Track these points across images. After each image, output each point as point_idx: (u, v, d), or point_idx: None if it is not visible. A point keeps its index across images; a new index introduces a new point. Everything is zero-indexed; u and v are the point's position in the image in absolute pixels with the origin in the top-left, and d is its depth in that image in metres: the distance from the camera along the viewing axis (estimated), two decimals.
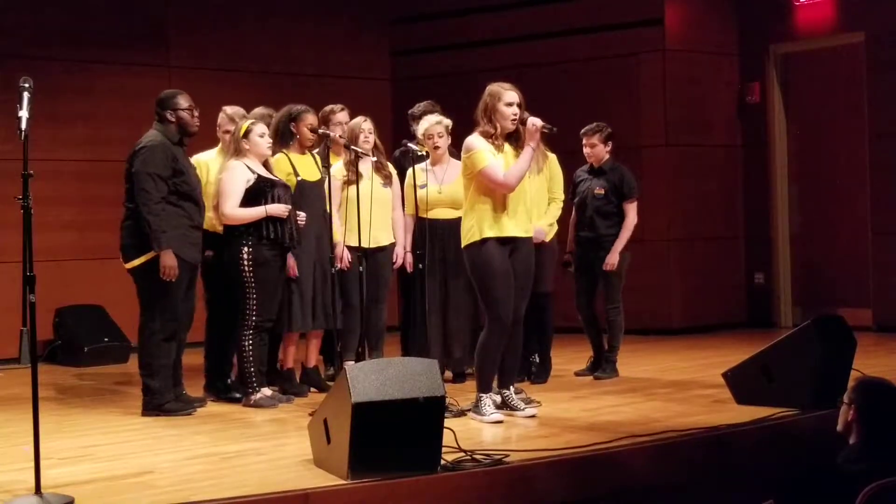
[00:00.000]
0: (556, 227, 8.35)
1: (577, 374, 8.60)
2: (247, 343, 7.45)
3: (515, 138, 6.79)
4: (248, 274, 7.41)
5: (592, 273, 8.55)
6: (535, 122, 6.70)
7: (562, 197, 8.31)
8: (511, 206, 6.74)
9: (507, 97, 6.74)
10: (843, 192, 11.70)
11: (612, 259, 8.42)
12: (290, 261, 7.64)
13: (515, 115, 6.72)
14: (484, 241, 6.69)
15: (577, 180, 8.68)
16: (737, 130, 12.10)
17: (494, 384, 6.95)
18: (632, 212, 8.52)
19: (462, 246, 6.83)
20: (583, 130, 8.66)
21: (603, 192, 8.52)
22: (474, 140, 6.75)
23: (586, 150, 8.60)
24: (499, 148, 6.74)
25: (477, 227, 6.71)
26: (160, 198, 7.13)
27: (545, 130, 6.75)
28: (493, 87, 6.79)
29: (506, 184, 6.67)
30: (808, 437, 6.44)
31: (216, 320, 7.89)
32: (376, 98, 12.30)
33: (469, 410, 6.80)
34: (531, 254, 6.95)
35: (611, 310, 8.55)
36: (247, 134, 7.52)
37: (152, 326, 7.25)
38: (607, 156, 8.62)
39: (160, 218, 7.11)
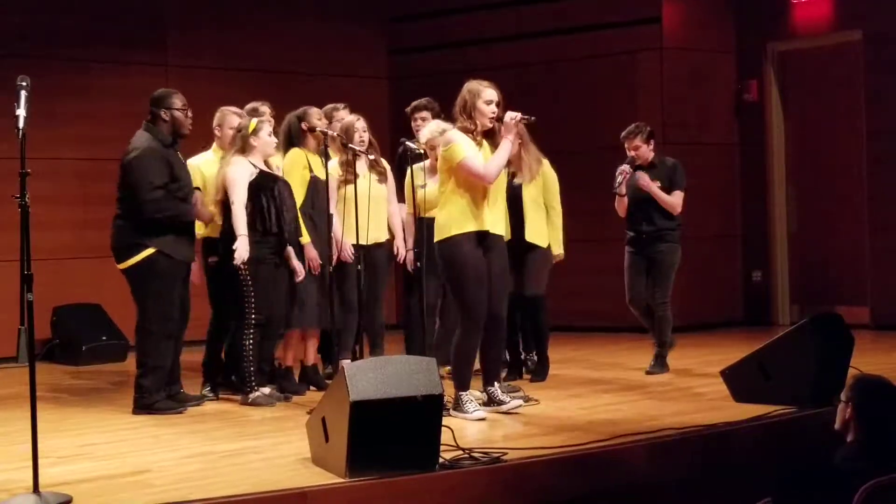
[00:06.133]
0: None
1: (649, 373, 8.60)
2: (247, 342, 7.45)
3: (493, 136, 6.78)
4: (244, 272, 7.41)
5: (649, 267, 8.65)
6: (513, 115, 6.71)
7: (559, 206, 8.33)
8: (489, 202, 6.72)
9: (486, 95, 6.74)
10: (840, 190, 11.71)
11: (648, 182, 8.56)
12: (296, 264, 7.64)
13: (494, 113, 6.73)
14: (458, 237, 6.66)
15: (624, 181, 8.59)
16: (734, 129, 12.11)
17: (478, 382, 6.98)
18: (678, 200, 8.66)
19: (435, 240, 6.81)
20: (622, 134, 8.74)
21: (659, 183, 8.65)
22: (453, 133, 6.76)
23: (631, 154, 8.67)
24: (478, 144, 6.74)
25: (452, 221, 6.69)
26: (163, 198, 7.17)
27: (524, 121, 6.77)
28: (472, 85, 6.79)
29: (485, 175, 6.65)
30: (805, 436, 6.44)
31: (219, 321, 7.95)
32: (374, 96, 12.30)
33: (450, 409, 6.75)
34: (505, 252, 6.95)
35: (661, 304, 8.62)
36: (256, 131, 7.53)
37: (150, 326, 7.26)
38: (652, 154, 8.73)
39: (171, 208, 7.18)
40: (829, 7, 11.56)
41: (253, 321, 7.45)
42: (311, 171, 7.93)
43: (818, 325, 7.07)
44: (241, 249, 7.35)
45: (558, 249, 8.32)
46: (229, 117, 8.00)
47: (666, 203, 8.65)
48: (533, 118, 6.78)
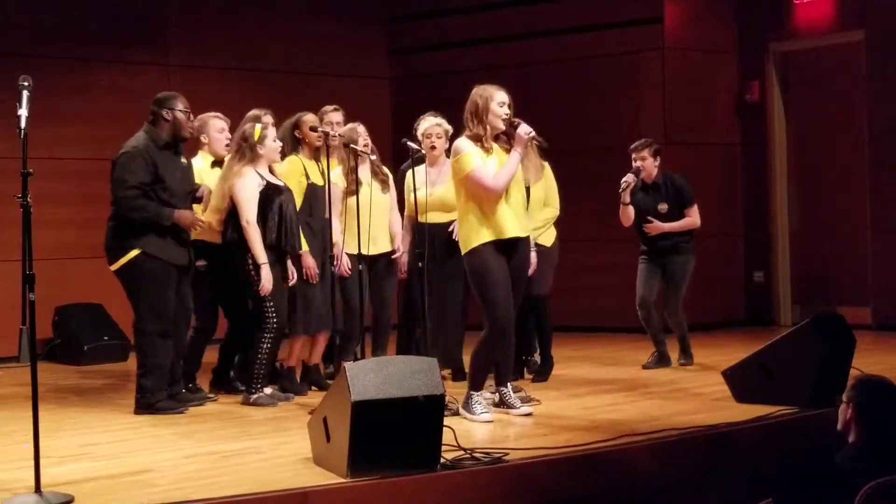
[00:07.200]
0: (555, 231, 8.39)
1: (645, 367, 8.89)
2: (265, 346, 7.46)
3: (504, 139, 6.75)
4: (256, 280, 7.41)
5: (662, 275, 8.95)
6: (528, 130, 6.66)
7: (557, 205, 8.38)
8: (504, 206, 6.68)
9: (498, 97, 6.71)
10: (842, 190, 11.70)
11: (659, 227, 8.85)
12: (291, 268, 7.65)
13: (507, 114, 6.70)
14: (481, 247, 6.63)
15: (628, 188, 8.76)
16: (736, 129, 12.11)
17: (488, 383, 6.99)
18: (695, 215, 8.93)
19: (462, 253, 6.79)
20: (632, 146, 8.94)
21: (667, 206, 8.90)
22: (462, 143, 6.71)
23: (637, 164, 8.85)
24: (488, 150, 6.69)
25: (472, 232, 6.66)
26: (138, 196, 7.15)
27: (536, 141, 6.74)
28: (482, 89, 6.74)
29: (494, 188, 6.61)
30: (807, 436, 6.44)
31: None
32: (375, 97, 12.31)
33: (459, 407, 6.76)
34: (528, 254, 6.95)
35: (674, 312, 8.98)
36: (262, 139, 7.50)
37: (143, 326, 7.26)
38: (656, 170, 8.91)
39: (146, 208, 7.16)
40: (831, 7, 11.56)
41: (274, 326, 7.46)
42: (308, 178, 7.91)
43: (820, 325, 7.07)
44: (266, 281, 7.37)
45: (543, 242, 8.25)
46: (211, 122, 7.98)
47: (685, 227, 8.92)
48: (546, 143, 6.78)
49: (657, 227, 8.86)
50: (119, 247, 7.25)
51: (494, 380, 7.00)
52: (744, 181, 12.11)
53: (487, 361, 6.84)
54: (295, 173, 7.87)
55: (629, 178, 8.74)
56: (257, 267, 7.39)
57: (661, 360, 8.95)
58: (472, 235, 6.66)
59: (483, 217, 6.65)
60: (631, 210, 8.81)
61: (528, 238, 6.90)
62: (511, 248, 6.72)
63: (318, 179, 7.95)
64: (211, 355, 8.19)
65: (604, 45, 11.75)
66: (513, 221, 6.71)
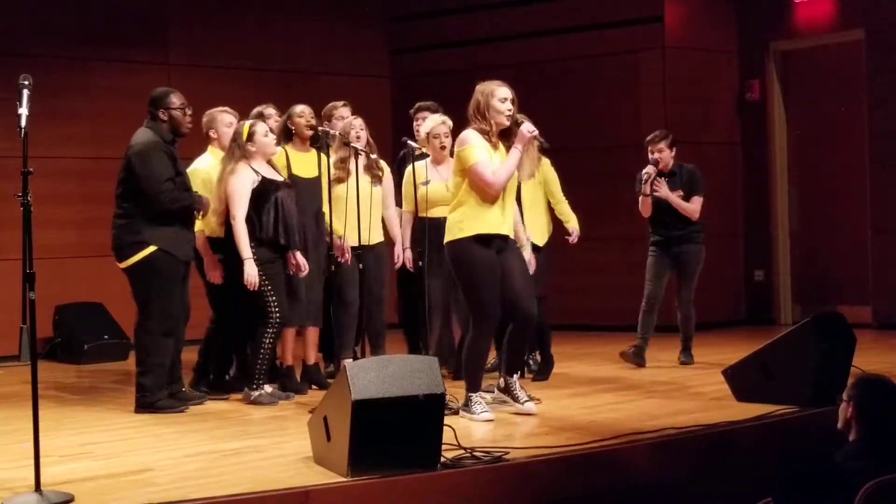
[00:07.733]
0: (548, 232, 8.43)
1: (623, 354, 8.96)
2: (268, 340, 7.47)
3: (508, 137, 6.74)
4: (259, 275, 7.41)
5: (674, 266, 9.04)
6: (531, 129, 6.66)
7: (564, 198, 8.48)
8: (501, 205, 6.68)
9: (500, 93, 6.68)
10: (842, 189, 11.71)
11: (665, 189, 8.93)
12: (300, 259, 7.65)
13: (510, 110, 6.67)
14: (469, 238, 6.62)
15: (650, 179, 8.91)
16: (736, 128, 12.11)
17: (495, 382, 6.97)
18: (697, 205, 9.00)
19: (445, 241, 6.77)
20: (647, 139, 9.08)
21: (682, 192, 9.00)
22: (469, 134, 6.69)
23: (654, 157, 8.96)
24: (494, 146, 6.70)
25: (464, 222, 6.64)
26: (173, 189, 7.18)
27: (538, 141, 6.74)
28: (484, 85, 6.73)
29: (494, 182, 6.60)
30: (807, 435, 6.44)
31: (222, 320, 7.94)
32: (376, 96, 12.31)
33: (460, 409, 6.76)
34: (519, 252, 6.93)
35: (688, 303, 9.08)
36: (251, 136, 7.51)
37: (149, 325, 7.27)
38: (672, 161, 9.04)
39: (183, 197, 7.21)
40: (832, 6, 11.56)
41: (277, 321, 7.47)
42: (289, 169, 7.89)
43: (820, 324, 7.07)
44: (250, 275, 7.38)
45: (574, 224, 8.51)
46: (219, 117, 8.00)
47: (685, 210, 8.97)
48: (547, 144, 6.80)
49: (665, 189, 8.89)
50: (132, 244, 7.24)
51: (503, 368, 6.97)
52: (744, 181, 12.12)
53: (480, 361, 6.82)
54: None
55: (650, 169, 8.90)
56: (259, 262, 7.41)
57: (638, 357, 8.91)
58: (464, 225, 6.64)
59: (478, 209, 6.63)
60: (650, 201, 8.92)
61: (513, 240, 6.87)
62: (497, 247, 6.69)
63: (301, 171, 7.94)
64: None
65: (604, 45, 11.75)
66: (503, 221, 6.70)
